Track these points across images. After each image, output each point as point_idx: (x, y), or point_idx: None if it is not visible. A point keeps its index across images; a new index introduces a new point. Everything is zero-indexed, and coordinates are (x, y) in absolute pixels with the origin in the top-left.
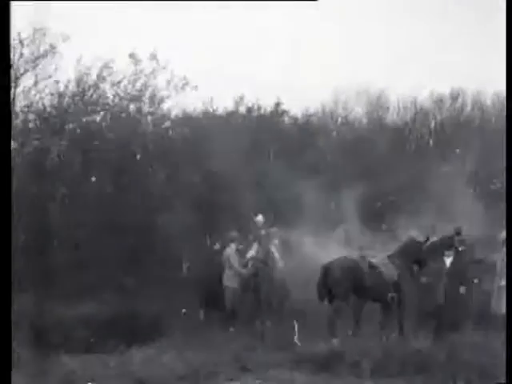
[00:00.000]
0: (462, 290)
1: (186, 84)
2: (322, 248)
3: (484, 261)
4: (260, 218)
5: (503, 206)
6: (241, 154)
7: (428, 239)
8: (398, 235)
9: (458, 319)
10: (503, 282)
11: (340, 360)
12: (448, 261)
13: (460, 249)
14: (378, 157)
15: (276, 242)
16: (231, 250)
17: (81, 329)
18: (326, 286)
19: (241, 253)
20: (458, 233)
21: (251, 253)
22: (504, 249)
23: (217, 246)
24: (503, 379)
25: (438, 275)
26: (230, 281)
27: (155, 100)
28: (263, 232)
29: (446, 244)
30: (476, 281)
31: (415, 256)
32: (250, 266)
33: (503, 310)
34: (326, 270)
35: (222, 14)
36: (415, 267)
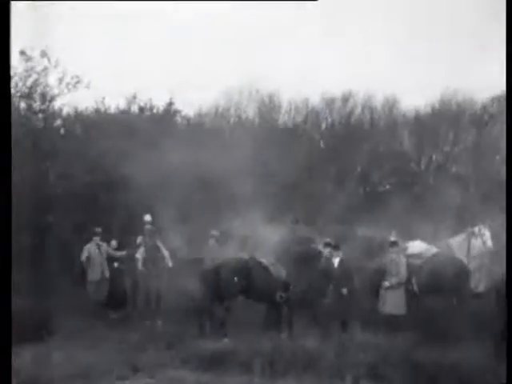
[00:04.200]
0: (345, 291)
1: (78, 82)
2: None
3: None
4: (148, 217)
5: (391, 207)
6: (133, 153)
7: (311, 239)
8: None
9: (347, 318)
10: (387, 283)
11: (231, 358)
12: (336, 261)
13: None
14: (269, 157)
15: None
16: (91, 245)
17: None
18: (217, 286)
19: (115, 248)
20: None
21: (140, 251)
22: (392, 250)
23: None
24: (391, 376)
25: (326, 274)
26: (92, 275)
27: (46, 97)
28: (150, 230)
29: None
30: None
31: (306, 255)
32: (140, 266)
33: (388, 310)
34: (216, 271)
35: (114, 11)
36: (305, 267)
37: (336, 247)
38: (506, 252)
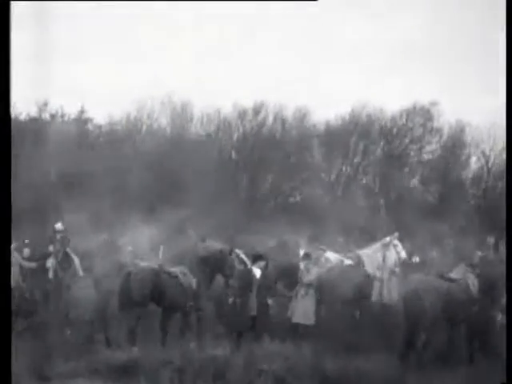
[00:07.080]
0: (270, 301)
1: None
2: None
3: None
4: (59, 225)
5: (302, 217)
6: (44, 160)
7: (232, 250)
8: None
9: (258, 328)
10: (302, 292)
11: (139, 368)
12: (258, 272)
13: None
14: (180, 167)
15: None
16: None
17: None
18: (126, 294)
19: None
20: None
21: (50, 260)
22: (304, 261)
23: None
24: None
25: (245, 286)
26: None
27: None
28: (61, 239)
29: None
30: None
31: (218, 265)
32: (50, 274)
33: (297, 319)
34: (126, 279)
35: (27, 15)
36: (219, 276)
37: (258, 257)
38: (506, 253)
